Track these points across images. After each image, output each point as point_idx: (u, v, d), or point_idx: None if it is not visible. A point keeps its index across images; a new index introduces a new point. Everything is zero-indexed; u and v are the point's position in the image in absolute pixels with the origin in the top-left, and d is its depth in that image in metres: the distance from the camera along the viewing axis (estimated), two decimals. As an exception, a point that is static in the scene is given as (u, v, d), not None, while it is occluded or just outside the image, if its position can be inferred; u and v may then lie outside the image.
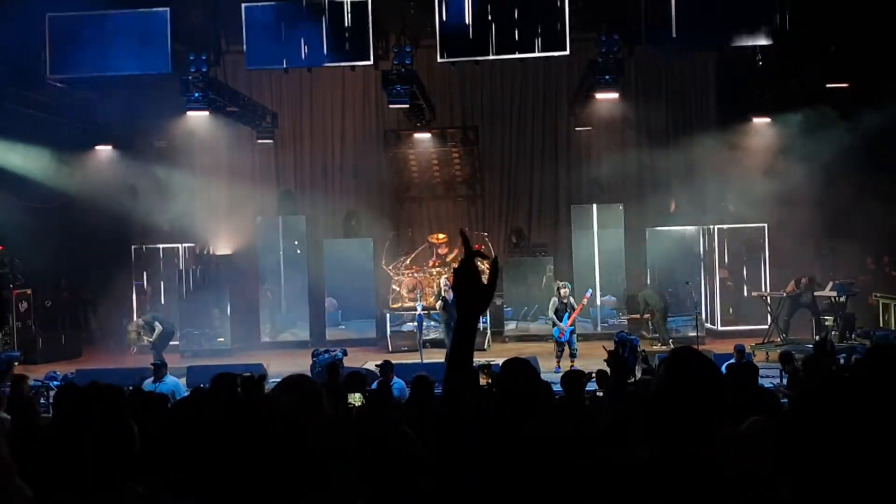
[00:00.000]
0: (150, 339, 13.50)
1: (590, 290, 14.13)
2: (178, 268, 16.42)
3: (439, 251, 16.74)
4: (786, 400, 5.77)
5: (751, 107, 15.78)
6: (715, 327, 15.70)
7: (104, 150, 16.25)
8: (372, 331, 16.19)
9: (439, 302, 14.16)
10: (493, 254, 16.31)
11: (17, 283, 15.48)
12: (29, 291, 15.66)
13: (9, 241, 15.20)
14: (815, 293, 14.17)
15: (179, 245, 16.74)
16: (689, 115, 17.64)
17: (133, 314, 15.55)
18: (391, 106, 13.45)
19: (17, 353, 14.63)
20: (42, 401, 9.99)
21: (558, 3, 11.96)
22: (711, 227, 16.08)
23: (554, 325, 12.87)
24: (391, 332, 15.56)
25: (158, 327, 13.56)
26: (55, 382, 11.21)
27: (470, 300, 2.00)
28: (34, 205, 15.40)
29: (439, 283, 14.67)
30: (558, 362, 12.40)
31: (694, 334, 13.43)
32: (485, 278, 2.04)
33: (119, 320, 15.36)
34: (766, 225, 15.80)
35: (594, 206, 16.43)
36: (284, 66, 12.88)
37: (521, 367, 3.11)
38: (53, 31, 12.48)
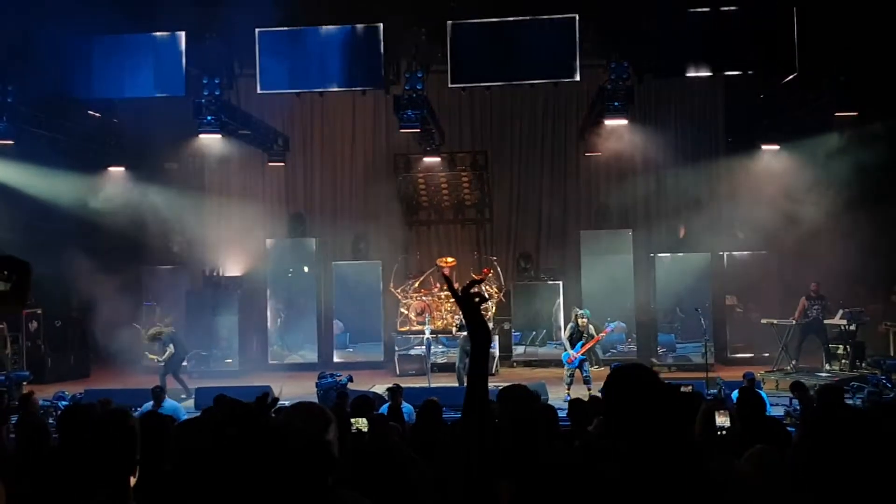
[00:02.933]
0: (160, 359, 13.52)
1: (613, 325, 13.92)
2: (187, 289, 16.47)
3: (446, 273, 16.74)
4: (793, 429, 5.74)
5: (759, 134, 15.83)
6: (724, 354, 15.62)
7: (116, 172, 16.37)
8: (379, 354, 16.18)
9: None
10: (480, 283, 16.33)
11: (28, 302, 15.54)
12: (39, 311, 15.73)
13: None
14: (826, 321, 14.10)
15: (189, 266, 16.80)
16: (699, 142, 17.66)
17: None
18: (402, 130, 13.53)
19: (27, 373, 14.70)
20: (50, 420, 9.99)
21: (569, 31, 12.06)
22: (720, 253, 16.05)
23: (566, 349, 12.79)
24: (399, 355, 15.54)
25: (171, 350, 13.58)
26: (64, 402, 11.24)
27: (467, 311, 2.06)
28: (44, 224, 15.51)
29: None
30: (568, 390, 12.27)
31: (703, 361, 13.35)
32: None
33: (127, 341, 15.38)
34: (775, 252, 15.77)
35: (603, 231, 16.42)
36: (296, 90, 13.01)
37: (519, 395, 3.11)
38: (67, 54, 12.63)
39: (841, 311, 14.08)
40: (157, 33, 12.49)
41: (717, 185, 17.09)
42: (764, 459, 2.78)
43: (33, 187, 14.77)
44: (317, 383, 11.90)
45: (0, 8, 11.43)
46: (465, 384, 2.23)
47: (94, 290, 14.75)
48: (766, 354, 15.14)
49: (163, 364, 13.44)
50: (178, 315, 15.90)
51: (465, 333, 13.36)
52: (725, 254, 16.07)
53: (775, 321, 15.10)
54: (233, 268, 17.34)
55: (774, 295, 15.69)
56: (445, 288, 15.59)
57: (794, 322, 14.34)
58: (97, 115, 14.55)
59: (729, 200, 16.45)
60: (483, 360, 2.07)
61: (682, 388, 7.57)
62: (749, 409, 4.95)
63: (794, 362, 14.09)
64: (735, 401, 6.22)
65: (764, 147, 15.81)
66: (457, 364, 13.59)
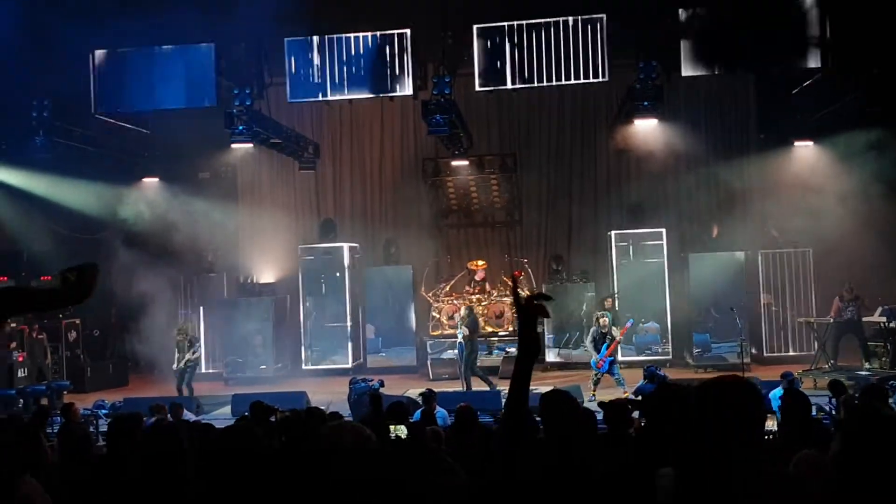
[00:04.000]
0: (190, 358, 13.63)
1: (630, 321, 13.92)
2: (221, 296, 16.65)
3: (477, 278, 16.76)
4: (833, 428, 5.64)
5: (793, 130, 15.62)
6: (760, 354, 15.44)
7: (151, 182, 16.61)
8: (411, 358, 16.22)
9: (463, 330, 13.51)
10: (518, 285, 16.26)
11: (66, 312, 15.83)
12: (78, 321, 16.00)
13: (56, 272, 15.57)
14: (864, 318, 13.87)
15: (223, 274, 16.98)
16: (730, 139, 17.47)
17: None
18: (430, 135, 13.57)
19: (67, 383, 14.97)
20: (91, 429, 10.16)
21: (596, 31, 12.02)
22: (755, 251, 15.86)
23: (592, 355, 12.78)
24: (431, 359, 15.56)
25: (199, 352, 13.78)
26: (104, 411, 11.43)
27: (524, 322, 2.06)
28: (82, 236, 15.78)
29: (462, 312, 14.28)
30: (593, 391, 12.27)
31: (738, 361, 13.21)
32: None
33: (165, 349, 15.58)
34: (810, 249, 15.55)
35: (635, 231, 16.32)
36: (325, 97, 13.11)
37: (561, 399, 3.10)
38: (100, 67, 12.86)
39: (880, 309, 13.84)
40: (188, 45, 12.67)
41: (749, 183, 16.88)
42: (813, 465, 2.74)
43: (70, 199, 15.04)
44: (350, 388, 11.95)
45: (35, 26, 11.65)
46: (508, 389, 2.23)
47: (130, 299, 14.96)
48: (803, 353, 14.94)
49: (189, 365, 13.55)
50: (214, 324, 16.12)
51: (464, 334, 13.37)
52: (760, 252, 15.87)
53: (812, 319, 14.90)
54: (266, 275, 17.50)
55: (810, 293, 15.48)
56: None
57: (831, 320, 14.14)
58: (132, 127, 14.77)
59: (762, 198, 16.25)
60: (529, 370, 2.08)
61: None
62: (794, 412, 4.88)
63: (832, 361, 13.89)
64: (777, 402, 6.14)
65: (797, 143, 15.61)
66: (461, 367, 13.55)
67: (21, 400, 13.49)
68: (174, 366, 13.62)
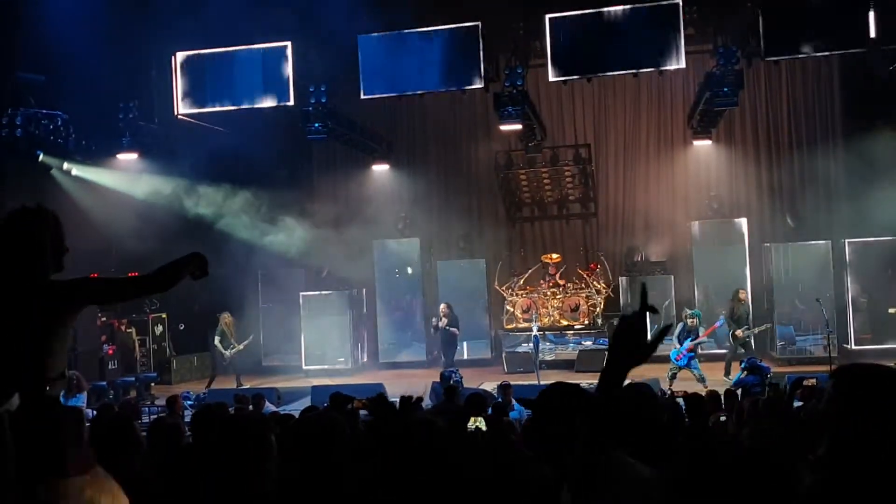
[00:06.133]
0: (239, 347, 14.72)
1: (722, 320, 13.62)
2: (301, 290, 16.97)
3: (551, 271, 16.64)
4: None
5: (879, 113, 14.94)
6: (849, 346, 14.86)
7: (232, 180, 16.98)
8: (486, 352, 16.23)
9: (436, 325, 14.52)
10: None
11: (153, 307, 16.41)
12: (164, 315, 16.57)
13: (143, 269, 16.12)
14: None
15: (302, 269, 17.30)
16: (814, 124, 16.83)
17: (261, 337, 16.27)
18: (503, 127, 13.52)
19: (154, 375, 15.55)
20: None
21: (672, 16, 11.75)
22: (842, 240, 15.25)
23: (674, 347, 12.56)
24: (506, 353, 15.54)
25: (247, 341, 14.82)
26: (189, 402, 11.81)
27: (627, 352, 1.96)
28: (166, 233, 16.29)
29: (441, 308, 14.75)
30: (669, 385, 12.02)
31: (826, 354, 12.75)
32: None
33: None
34: (902, 237, 14.88)
35: (715, 221, 15.90)
36: (398, 93, 13.20)
37: (644, 392, 3.04)
38: (182, 69, 13.26)
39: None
40: (265, 45, 12.94)
41: (834, 170, 16.26)
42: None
43: (157, 197, 15.54)
44: (443, 375, 11.93)
45: (119, 31, 12.10)
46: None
47: (214, 293, 15.38)
48: (895, 346, 14.32)
49: (236, 354, 14.62)
50: (293, 318, 16.44)
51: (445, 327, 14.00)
52: (847, 241, 15.25)
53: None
54: (344, 269, 17.75)
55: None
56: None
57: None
58: (216, 129, 15.17)
59: (848, 185, 15.61)
60: (622, 373, 1.99)
61: (805, 382, 7.27)
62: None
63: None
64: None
65: (883, 127, 14.93)
66: (535, 361, 13.58)
67: (112, 391, 14.08)
68: (227, 354, 14.67)
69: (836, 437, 1.96)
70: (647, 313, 1.97)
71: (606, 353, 2.03)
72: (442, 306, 14.68)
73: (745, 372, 10.41)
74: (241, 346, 14.86)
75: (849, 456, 1.92)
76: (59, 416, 2.99)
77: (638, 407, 2.72)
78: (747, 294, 14.64)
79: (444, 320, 14.50)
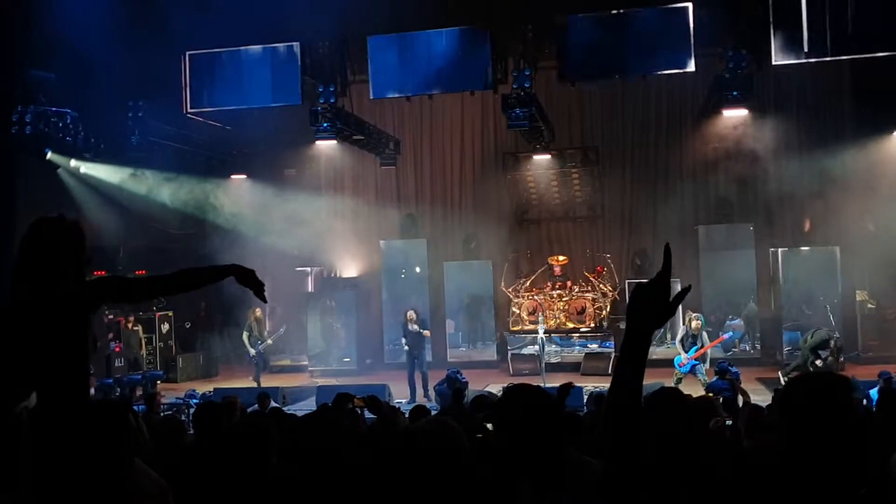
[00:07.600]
0: (268, 341, 14.71)
1: (730, 333, 13.54)
2: (307, 290, 16.99)
3: (557, 273, 16.62)
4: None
5: (890, 117, 14.87)
6: (856, 353, 14.79)
7: (238, 179, 17.05)
8: (492, 353, 16.21)
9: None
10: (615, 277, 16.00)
11: (160, 305, 16.45)
12: (170, 314, 16.61)
13: (151, 266, 16.18)
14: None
15: (308, 268, 17.32)
16: (823, 128, 16.72)
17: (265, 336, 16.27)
18: (511, 129, 13.50)
19: (161, 372, 15.58)
20: (182, 417, 10.52)
21: (682, 19, 11.71)
22: (850, 246, 15.17)
23: (679, 353, 12.51)
24: (512, 354, 15.52)
25: (280, 333, 14.95)
26: (194, 400, 11.82)
27: (648, 314, 1.92)
28: (173, 231, 16.34)
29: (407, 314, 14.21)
30: None
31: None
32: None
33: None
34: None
35: (722, 225, 15.84)
36: (406, 94, 13.20)
37: (668, 395, 3.03)
38: (191, 68, 13.29)
39: None
40: (274, 45, 12.95)
41: (844, 175, 16.15)
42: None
43: (162, 195, 15.59)
44: (448, 376, 11.89)
45: (129, 29, 12.13)
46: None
47: (219, 292, 15.40)
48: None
49: (264, 349, 14.55)
50: (299, 318, 16.45)
51: (416, 331, 13.66)
52: (856, 247, 15.16)
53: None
54: (349, 269, 17.77)
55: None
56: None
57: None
58: (220, 125, 15.20)
59: (857, 191, 15.52)
60: (644, 341, 1.94)
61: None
62: (890, 411, 4.66)
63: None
64: (874, 402, 5.88)
65: (895, 133, 14.87)
66: (541, 363, 13.53)
67: (118, 389, 14.10)
68: (254, 350, 14.56)
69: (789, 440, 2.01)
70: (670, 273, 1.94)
71: (626, 314, 1.97)
72: (410, 312, 14.32)
73: (717, 376, 10.36)
74: (270, 341, 14.92)
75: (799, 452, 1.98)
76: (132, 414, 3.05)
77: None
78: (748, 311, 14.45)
79: (415, 326, 13.87)
